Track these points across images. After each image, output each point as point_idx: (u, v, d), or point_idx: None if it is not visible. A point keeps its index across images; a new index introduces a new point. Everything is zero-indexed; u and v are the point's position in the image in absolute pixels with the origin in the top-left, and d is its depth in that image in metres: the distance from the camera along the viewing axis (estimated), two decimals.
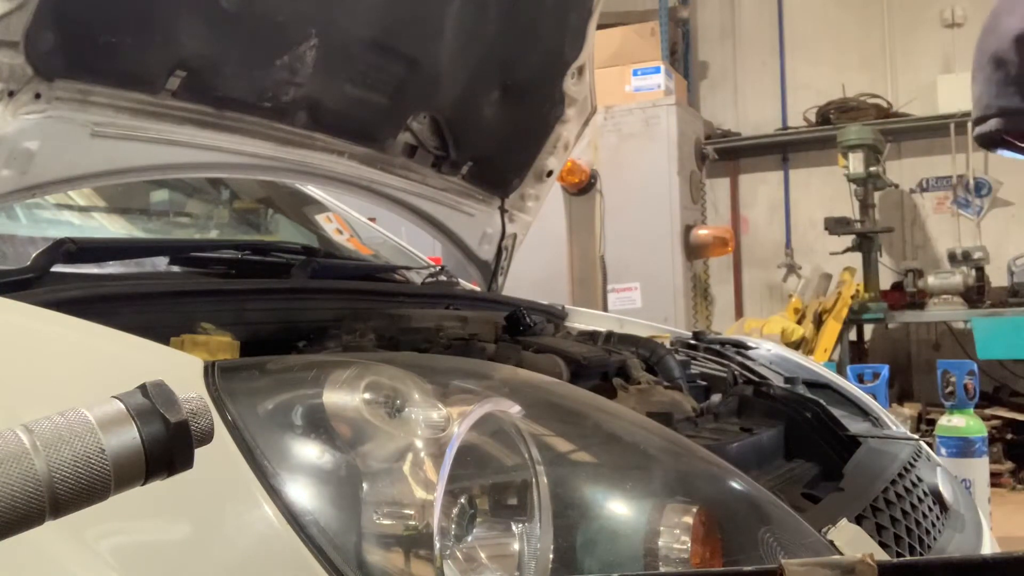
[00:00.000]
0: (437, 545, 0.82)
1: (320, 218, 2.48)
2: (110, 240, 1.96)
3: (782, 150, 7.55)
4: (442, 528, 0.83)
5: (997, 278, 6.03)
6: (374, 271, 2.21)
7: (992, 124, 1.52)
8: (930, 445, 2.60)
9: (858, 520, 1.21)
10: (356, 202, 2.36)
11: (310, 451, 0.87)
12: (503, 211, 2.32)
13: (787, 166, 7.63)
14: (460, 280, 2.27)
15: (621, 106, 5.97)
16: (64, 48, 1.34)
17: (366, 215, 2.61)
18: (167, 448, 0.56)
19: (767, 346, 2.17)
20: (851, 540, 1.12)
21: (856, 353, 6.50)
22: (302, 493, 0.82)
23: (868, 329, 6.82)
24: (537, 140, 2.25)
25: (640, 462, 1.04)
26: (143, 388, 0.57)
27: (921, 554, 1.30)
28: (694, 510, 0.91)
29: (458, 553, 0.85)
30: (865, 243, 6.23)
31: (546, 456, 0.91)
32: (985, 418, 4.83)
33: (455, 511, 0.85)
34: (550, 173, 2.32)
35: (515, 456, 0.91)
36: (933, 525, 1.41)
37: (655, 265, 5.78)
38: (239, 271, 1.78)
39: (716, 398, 1.63)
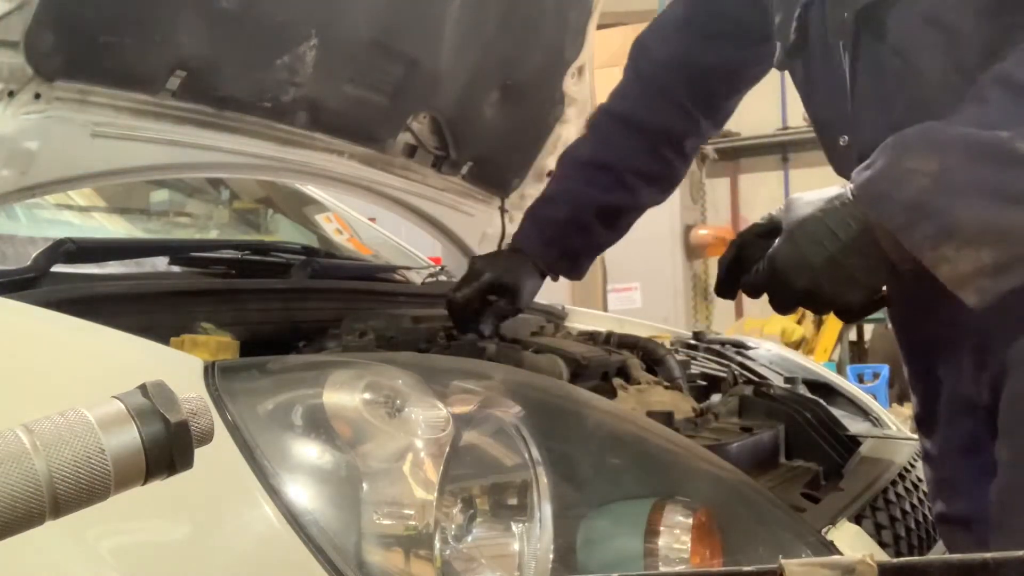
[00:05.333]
0: (437, 545, 0.82)
1: (320, 218, 2.48)
2: (110, 240, 1.96)
3: (782, 150, 7.55)
4: (442, 528, 0.83)
5: None
6: (374, 271, 2.21)
7: None
8: None
9: (858, 520, 1.21)
10: (356, 202, 2.36)
11: (310, 451, 0.87)
12: (503, 211, 2.32)
13: (787, 166, 7.63)
14: None
15: None
16: (64, 48, 1.34)
17: (366, 215, 2.61)
18: (167, 448, 0.56)
19: (767, 346, 2.17)
20: (851, 540, 1.12)
21: (856, 353, 6.50)
22: (302, 493, 0.82)
23: (868, 329, 6.82)
24: (537, 140, 2.25)
25: (640, 462, 1.04)
26: (143, 388, 0.57)
27: (921, 554, 1.30)
28: (694, 510, 0.91)
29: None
30: None
31: (546, 456, 0.91)
32: None
33: (455, 511, 0.86)
34: (550, 173, 2.31)
35: (515, 456, 0.91)
36: (934, 526, 1.41)
37: (655, 265, 5.78)
38: (239, 271, 1.78)
39: (716, 398, 1.63)
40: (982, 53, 1.03)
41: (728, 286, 1.22)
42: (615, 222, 1.70)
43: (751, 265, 1.16)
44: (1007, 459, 1.09)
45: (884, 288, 1.12)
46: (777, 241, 1.10)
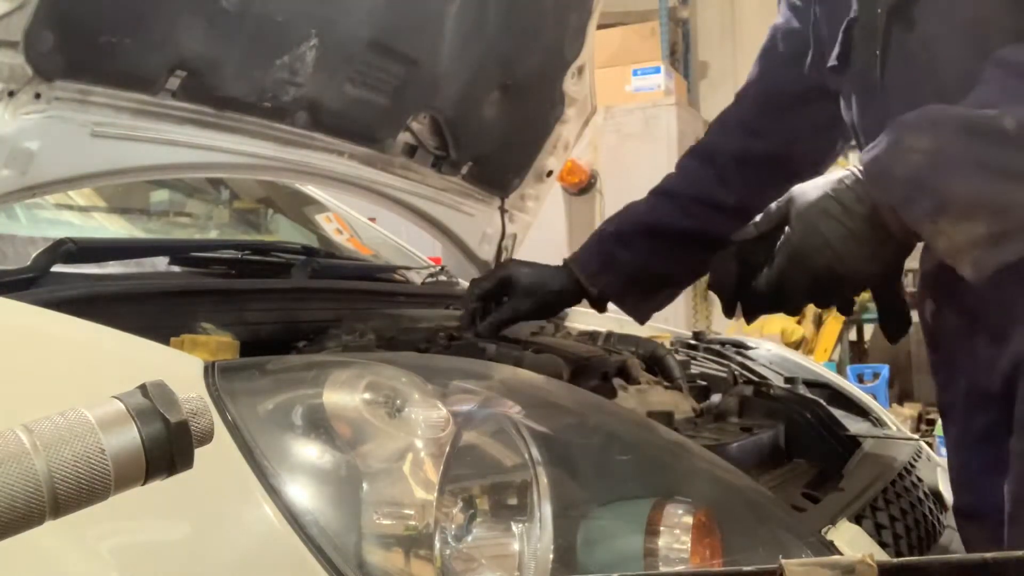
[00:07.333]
0: (437, 545, 0.82)
1: (320, 218, 2.48)
2: (110, 240, 1.96)
3: None
4: (442, 528, 0.83)
5: None
6: (374, 271, 2.21)
7: None
8: (930, 445, 2.60)
9: (858, 520, 1.21)
10: (356, 202, 2.36)
11: (310, 451, 0.87)
12: (503, 211, 2.32)
13: None
14: (460, 280, 2.27)
15: (621, 106, 5.96)
16: (64, 48, 1.34)
17: (366, 215, 2.61)
18: (167, 448, 0.56)
19: (767, 346, 2.17)
20: (851, 540, 1.12)
21: (856, 353, 6.50)
22: (302, 493, 0.82)
23: (868, 329, 6.82)
24: (537, 140, 2.25)
25: (640, 462, 1.04)
26: (143, 388, 0.57)
27: (921, 554, 1.30)
28: (694, 510, 0.91)
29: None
30: None
31: (546, 456, 0.90)
32: None
33: (455, 511, 0.86)
34: (550, 173, 2.31)
35: (515, 456, 0.91)
36: (933, 526, 1.41)
37: None
38: (239, 271, 1.78)
39: (716, 398, 1.63)
40: (1010, 43, 1.06)
41: (734, 298, 1.24)
42: (675, 247, 1.61)
43: (757, 270, 1.18)
44: (1021, 452, 1.09)
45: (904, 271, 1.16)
46: (788, 229, 1.13)
